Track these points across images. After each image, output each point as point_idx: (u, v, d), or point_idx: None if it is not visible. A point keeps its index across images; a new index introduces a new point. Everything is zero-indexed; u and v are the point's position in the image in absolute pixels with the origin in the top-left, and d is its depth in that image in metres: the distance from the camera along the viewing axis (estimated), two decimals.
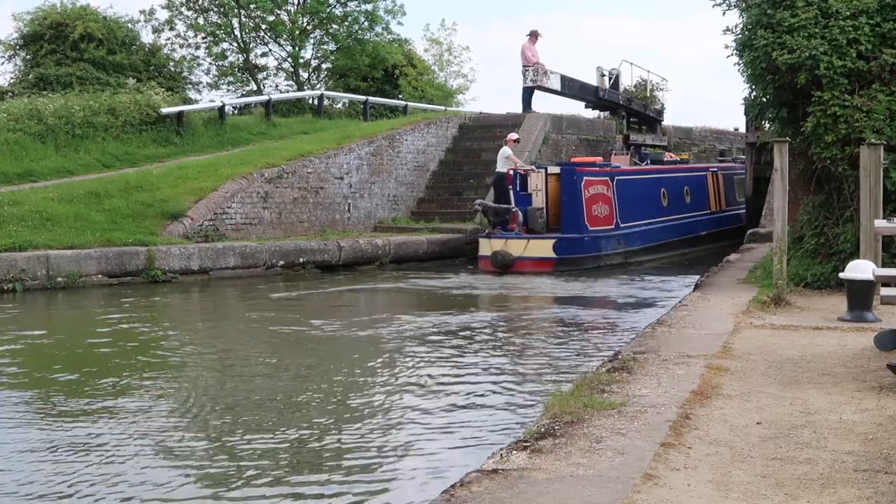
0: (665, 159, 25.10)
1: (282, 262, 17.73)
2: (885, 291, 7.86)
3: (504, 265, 18.23)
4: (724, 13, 12.81)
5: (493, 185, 20.42)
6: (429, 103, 31.64)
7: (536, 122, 24.06)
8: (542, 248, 18.72)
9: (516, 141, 20.59)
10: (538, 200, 19.45)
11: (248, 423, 7.34)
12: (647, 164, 24.23)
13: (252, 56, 36.08)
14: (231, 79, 36.49)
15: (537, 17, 76.96)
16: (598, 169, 20.71)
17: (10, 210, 16.05)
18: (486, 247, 18.70)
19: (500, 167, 19.79)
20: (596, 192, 19.79)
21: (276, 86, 36.92)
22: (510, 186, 19.35)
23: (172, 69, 33.78)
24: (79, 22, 29.61)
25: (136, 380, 8.88)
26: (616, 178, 20.67)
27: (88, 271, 15.31)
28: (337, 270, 18.26)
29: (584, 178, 19.61)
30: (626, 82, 28.53)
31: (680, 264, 20.21)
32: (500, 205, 19.30)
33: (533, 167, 20.19)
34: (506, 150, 19.82)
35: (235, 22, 35.08)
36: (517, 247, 18.44)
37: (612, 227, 20.19)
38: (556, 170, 19.81)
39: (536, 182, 19.57)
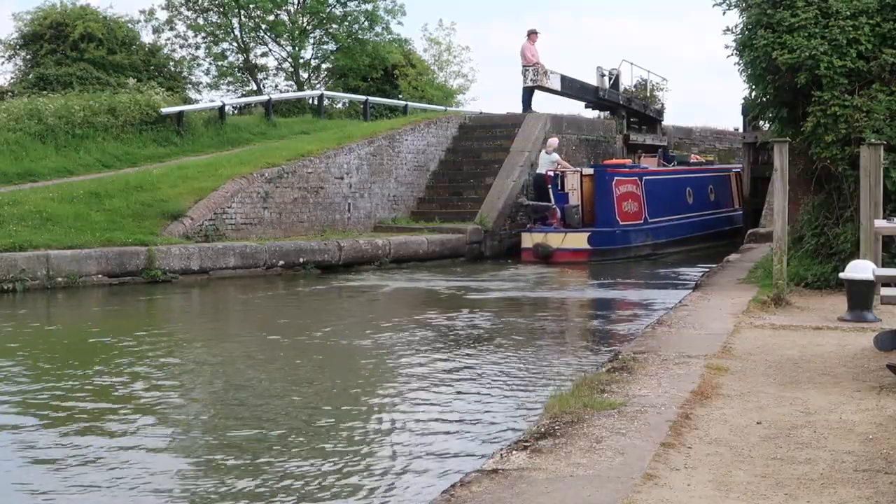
0: (691, 161, 27.29)
1: (282, 262, 17.72)
2: (885, 291, 7.86)
3: (544, 256, 20.25)
4: (724, 13, 12.83)
5: (533, 185, 22.06)
6: (428, 103, 31.61)
7: (536, 122, 24.05)
8: (578, 240, 20.76)
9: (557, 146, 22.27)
10: (574, 198, 21.35)
11: (246, 421, 7.34)
12: (673, 165, 26.32)
13: (252, 56, 36.08)
14: (231, 79, 36.45)
15: (537, 16, 77.00)
16: (627, 170, 22.93)
17: (10, 210, 16.03)
18: (528, 240, 20.80)
19: (541, 168, 21.67)
20: (626, 191, 21.88)
21: (276, 86, 36.95)
22: (549, 186, 21.25)
23: (172, 69, 33.78)
24: (79, 22, 29.62)
25: (132, 386, 8.89)
26: (644, 178, 22.78)
27: (88, 271, 15.31)
28: (337, 270, 18.25)
29: (616, 178, 21.80)
30: (626, 82, 28.60)
31: (703, 257, 20.58)
32: (540, 202, 21.33)
33: (571, 168, 21.90)
34: (554, 156, 21.59)
35: (235, 22, 35.07)
36: (556, 239, 20.53)
37: (641, 222, 22.34)
38: (590, 171, 21.94)
39: (572, 182, 21.49)
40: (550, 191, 21.20)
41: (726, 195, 26.39)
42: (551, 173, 21.33)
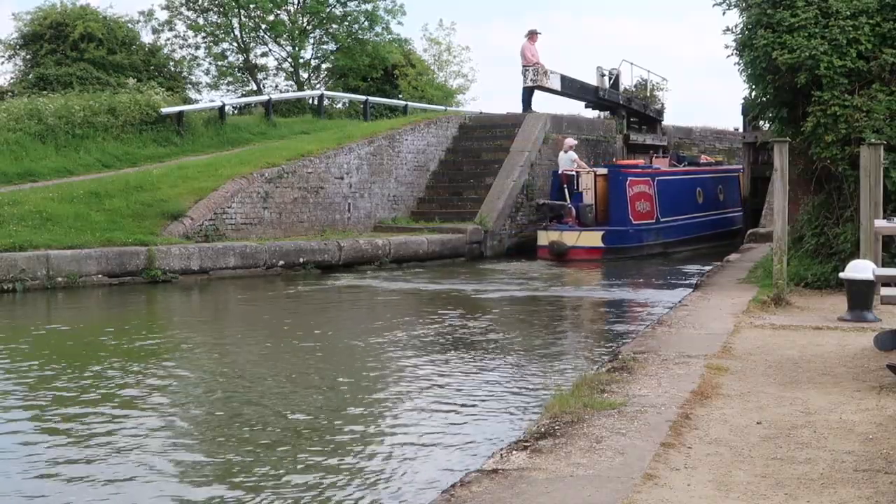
0: (701, 161, 27.93)
1: (282, 262, 17.72)
2: (885, 291, 7.86)
3: (559, 253, 20.73)
4: (724, 13, 12.84)
5: (551, 184, 22.68)
6: (429, 103, 31.62)
7: (536, 122, 24.06)
8: (593, 238, 21.31)
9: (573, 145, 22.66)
10: (588, 198, 21.86)
11: (247, 423, 7.34)
12: (684, 166, 26.80)
13: (252, 56, 36.09)
14: (231, 79, 36.47)
15: (537, 16, 76.99)
16: (640, 170, 23.61)
17: (10, 210, 16.03)
18: (544, 238, 21.27)
19: (560, 168, 22.10)
20: (639, 191, 22.57)
21: (276, 86, 36.96)
22: (565, 185, 21.79)
23: (172, 69, 33.78)
24: (79, 22, 29.63)
25: (133, 387, 8.89)
26: (656, 178, 23.46)
27: (88, 271, 15.30)
28: (337, 270, 18.24)
29: (629, 178, 22.45)
30: (626, 82, 28.61)
31: (713, 255, 20.56)
32: (556, 201, 21.84)
33: (587, 168, 22.40)
34: (572, 154, 22.10)
35: (235, 22, 35.07)
36: (571, 238, 21.04)
37: (653, 220, 23.02)
38: (604, 171, 22.54)
39: (586, 182, 22.01)
40: (566, 189, 21.68)
41: (734, 195, 26.84)
42: (572, 172, 21.76)
